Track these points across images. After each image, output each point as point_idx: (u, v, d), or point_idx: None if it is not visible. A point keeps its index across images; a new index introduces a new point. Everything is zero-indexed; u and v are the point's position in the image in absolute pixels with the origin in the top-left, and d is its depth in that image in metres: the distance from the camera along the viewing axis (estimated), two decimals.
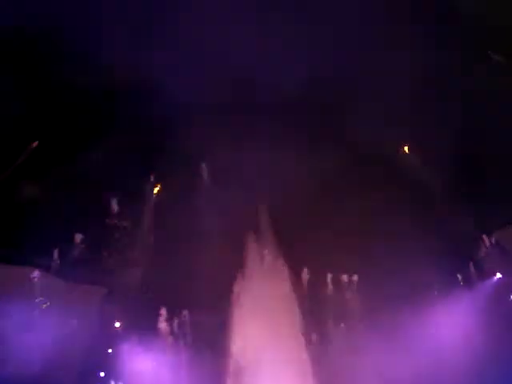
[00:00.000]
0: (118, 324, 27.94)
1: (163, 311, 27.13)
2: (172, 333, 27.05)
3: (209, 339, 26.18)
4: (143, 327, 26.87)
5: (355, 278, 27.25)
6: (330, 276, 27.58)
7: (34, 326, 25.71)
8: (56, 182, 25.90)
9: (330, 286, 27.33)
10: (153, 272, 27.64)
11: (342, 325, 26.57)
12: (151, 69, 22.36)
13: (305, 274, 26.74)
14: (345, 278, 27.51)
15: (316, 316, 25.95)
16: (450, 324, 26.11)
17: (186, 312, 27.14)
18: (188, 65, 23.04)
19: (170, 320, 27.05)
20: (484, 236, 26.98)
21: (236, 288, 25.15)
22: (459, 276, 27.23)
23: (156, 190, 28.69)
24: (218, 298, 25.72)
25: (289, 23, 21.97)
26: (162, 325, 26.89)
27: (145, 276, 27.93)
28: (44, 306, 25.67)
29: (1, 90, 22.06)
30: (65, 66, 22.73)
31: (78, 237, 26.95)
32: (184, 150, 24.62)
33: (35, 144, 26.33)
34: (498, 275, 27.06)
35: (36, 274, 26.73)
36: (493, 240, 26.79)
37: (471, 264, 27.28)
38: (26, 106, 23.07)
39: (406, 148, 28.31)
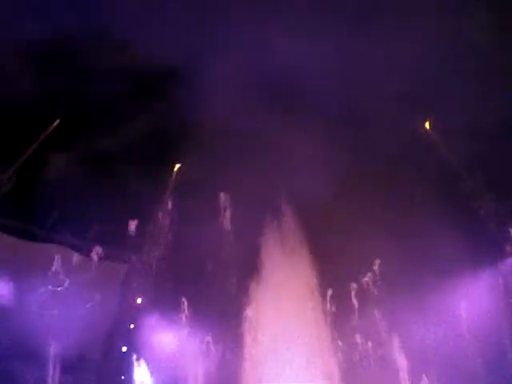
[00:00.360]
0: (139, 300, 28.16)
1: (185, 287, 27.13)
2: (193, 309, 27.08)
3: (229, 316, 26.18)
4: (165, 303, 27.03)
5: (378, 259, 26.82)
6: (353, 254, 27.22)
7: (58, 302, 26.05)
8: (79, 158, 26.00)
9: (354, 263, 26.99)
10: (174, 249, 27.78)
11: (365, 301, 26.16)
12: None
13: (327, 254, 26.47)
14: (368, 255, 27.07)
15: (338, 294, 25.86)
16: (474, 301, 25.97)
17: (207, 289, 27.11)
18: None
19: (191, 296, 27.08)
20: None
21: (257, 268, 25.08)
22: (482, 254, 26.79)
23: (176, 168, 28.71)
24: (240, 275, 25.85)
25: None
26: (184, 301, 26.93)
27: (166, 253, 28.07)
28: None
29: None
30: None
31: (100, 214, 27.05)
32: (206, 131, 24.53)
33: (56, 122, 26.43)
34: None
35: (59, 250, 27.04)
36: None
37: (496, 243, 26.85)
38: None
39: (427, 124, 27.94)
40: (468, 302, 26.11)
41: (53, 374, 24.20)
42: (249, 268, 25.76)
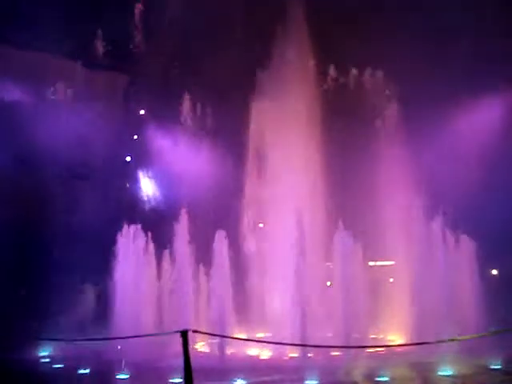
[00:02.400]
0: (142, 111, 28.22)
1: (187, 100, 26.89)
2: (195, 122, 27.09)
3: (230, 129, 26.02)
4: (168, 116, 26.98)
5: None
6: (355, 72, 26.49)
7: (62, 112, 26.21)
8: None
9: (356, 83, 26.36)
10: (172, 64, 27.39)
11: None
12: None
13: (331, 70, 25.77)
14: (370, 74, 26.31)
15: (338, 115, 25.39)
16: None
17: (208, 102, 26.99)
18: None
19: (193, 110, 26.99)
20: None
21: (260, 76, 24.44)
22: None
23: None
24: (240, 89, 25.40)
25: None
26: (186, 115, 26.88)
27: (168, 65, 27.69)
28: None
29: None
30: None
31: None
32: None
33: None
34: None
35: (61, 61, 26.75)
36: None
37: None
38: None
39: None
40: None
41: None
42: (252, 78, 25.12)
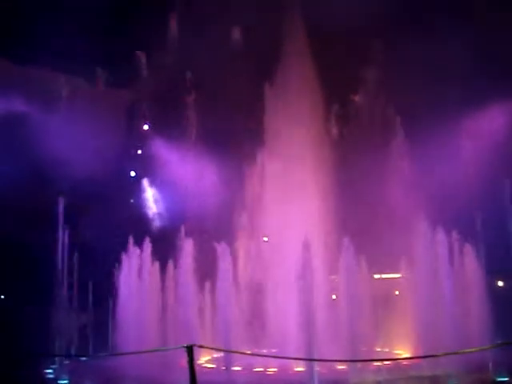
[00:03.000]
0: (146, 126, 28.35)
1: (190, 114, 26.99)
2: (198, 135, 27.12)
3: (234, 144, 26.06)
4: (172, 131, 27.07)
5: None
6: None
7: (66, 128, 26.26)
8: None
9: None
10: (178, 72, 27.45)
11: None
12: None
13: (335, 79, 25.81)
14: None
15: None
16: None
17: (211, 118, 27.02)
18: None
19: (196, 123, 27.03)
20: None
21: (266, 93, 24.54)
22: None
23: None
24: (246, 104, 25.45)
25: None
26: (190, 128, 26.96)
27: (171, 76, 27.79)
28: None
29: None
30: None
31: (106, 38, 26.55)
32: None
33: None
34: None
35: (66, 79, 26.90)
36: None
37: None
38: None
39: None
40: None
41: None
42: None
